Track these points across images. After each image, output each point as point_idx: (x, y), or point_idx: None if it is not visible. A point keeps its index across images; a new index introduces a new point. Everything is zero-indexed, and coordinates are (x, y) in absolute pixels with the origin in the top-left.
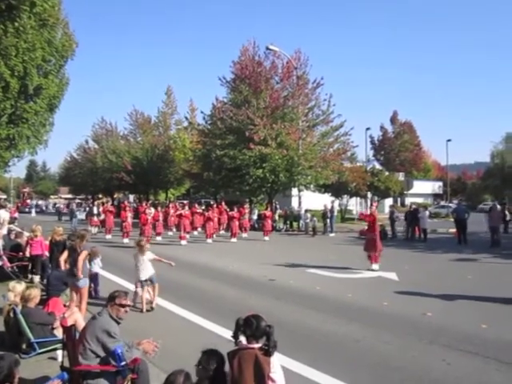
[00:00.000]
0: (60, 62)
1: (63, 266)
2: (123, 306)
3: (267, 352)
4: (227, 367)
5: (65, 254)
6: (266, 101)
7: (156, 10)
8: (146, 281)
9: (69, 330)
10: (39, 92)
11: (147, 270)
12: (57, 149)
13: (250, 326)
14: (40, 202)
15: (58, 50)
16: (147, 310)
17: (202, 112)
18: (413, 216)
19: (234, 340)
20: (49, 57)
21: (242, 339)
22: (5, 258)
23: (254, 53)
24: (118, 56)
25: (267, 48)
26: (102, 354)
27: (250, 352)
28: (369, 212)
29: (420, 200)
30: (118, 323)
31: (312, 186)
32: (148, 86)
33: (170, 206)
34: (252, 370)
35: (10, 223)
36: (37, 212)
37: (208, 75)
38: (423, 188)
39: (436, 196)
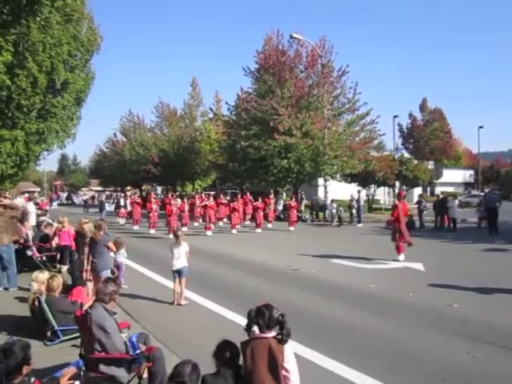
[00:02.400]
0: (86, 56)
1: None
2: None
3: (281, 341)
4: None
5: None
6: (290, 90)
7: (180, 2)
8: (176, 271)
9: (81, 320)
10: (66, 86)
11: (179, 261)
12: (87, 142)
13: (262, 317)
14: (73, 196)
15: (84, 45)
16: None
17: (226, 103)
18: (441, 205)
19: (247, 332)
20: (75, 51)
21: (255, 329)
22: (34, 248)
23: (277, 42)
24: (143, 48)
25: (291, 36)
26: (100, 348)
27: (264, 341)
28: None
29: (450, 189)
30: (115, 313)
31: (338, 175)
32: (174, 78)
33: (196, 196)
34: (265, 359)
35: (41, 215)
36: (59, 204)
37: (233, 66)
38: (454, 177)
39: (467, 185)
